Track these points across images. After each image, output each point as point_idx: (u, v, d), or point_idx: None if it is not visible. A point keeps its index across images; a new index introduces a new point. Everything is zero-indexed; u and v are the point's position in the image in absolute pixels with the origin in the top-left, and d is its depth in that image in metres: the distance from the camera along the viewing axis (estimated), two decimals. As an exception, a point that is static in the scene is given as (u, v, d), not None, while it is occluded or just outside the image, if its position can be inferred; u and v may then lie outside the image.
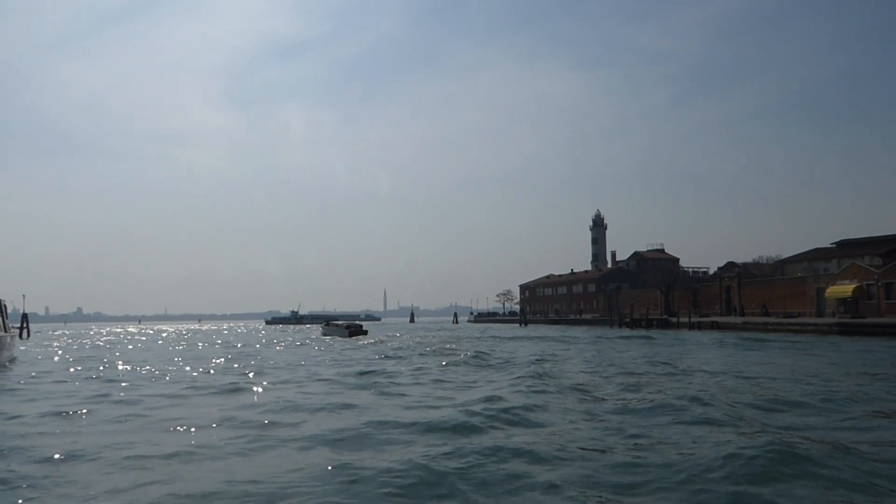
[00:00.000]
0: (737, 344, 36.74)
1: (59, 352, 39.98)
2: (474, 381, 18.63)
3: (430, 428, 10.90)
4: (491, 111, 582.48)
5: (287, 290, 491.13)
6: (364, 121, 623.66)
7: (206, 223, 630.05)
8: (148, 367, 25.95)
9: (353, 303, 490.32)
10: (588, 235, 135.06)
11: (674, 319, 71.35)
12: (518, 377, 18.84)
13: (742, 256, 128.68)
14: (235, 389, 17.33)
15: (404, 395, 15.80)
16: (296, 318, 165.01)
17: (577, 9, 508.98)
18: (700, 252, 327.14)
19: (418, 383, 18.45)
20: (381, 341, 49.24)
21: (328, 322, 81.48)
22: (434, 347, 37.98)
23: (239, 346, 46.63)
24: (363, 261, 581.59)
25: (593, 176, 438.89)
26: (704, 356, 28.18)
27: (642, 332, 62.72)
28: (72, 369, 25.56)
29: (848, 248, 72.84)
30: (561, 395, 14.87)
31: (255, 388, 17.52)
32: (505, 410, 12.42)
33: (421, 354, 32.05)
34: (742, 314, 68.67)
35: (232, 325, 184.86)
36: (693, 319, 66.64)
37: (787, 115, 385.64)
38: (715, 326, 62.70)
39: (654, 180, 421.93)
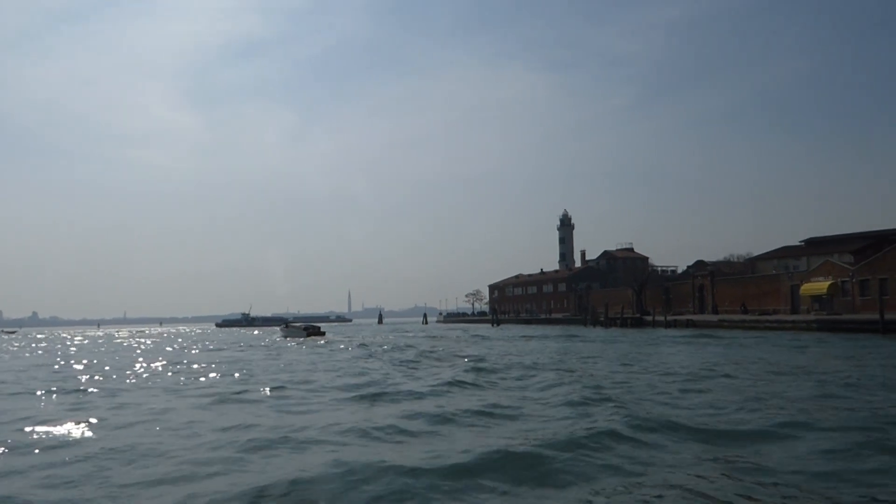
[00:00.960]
0: (730, 343, 36.13)
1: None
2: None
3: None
4: (456, 112, 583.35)
5: (249, 291, 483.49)
6: (327, 121, 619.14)
7: (167, 225, 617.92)
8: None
9: (318, 304, 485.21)
10: (556, 235, 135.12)
11: (649, 318, 71.01)
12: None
13: (710, 255, 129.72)
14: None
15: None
16: (247, 321, 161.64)
17: (539, 11, 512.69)
18: (668, 251, 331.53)
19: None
20: (346, 342, 47.66)
21: (287, 324, 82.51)
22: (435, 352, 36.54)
23: (224, 350, 44.42)
24: (327, 262, 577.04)
25: (560, 176, 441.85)
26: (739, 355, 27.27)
27: (619, 331, 62.23)
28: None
29: (817, 246, 73.61)
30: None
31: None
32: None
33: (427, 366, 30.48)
34: (716, 312, 68.68)
35: (194, 328, 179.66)
36: (669, 318, 66.37)
37: (750, 116, 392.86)
38: (690, 325, 62.37)
39: (621, 180, 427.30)
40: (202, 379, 21.55)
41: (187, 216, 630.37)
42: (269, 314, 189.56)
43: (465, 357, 29.11)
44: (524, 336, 54.51)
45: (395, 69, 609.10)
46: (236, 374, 23.11)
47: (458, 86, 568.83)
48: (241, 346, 49.55)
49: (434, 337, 56.41)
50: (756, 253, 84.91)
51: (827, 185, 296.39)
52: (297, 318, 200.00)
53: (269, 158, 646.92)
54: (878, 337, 38.60)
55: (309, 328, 66.48)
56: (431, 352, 34.18)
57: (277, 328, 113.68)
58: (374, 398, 15.21)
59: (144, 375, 23.67)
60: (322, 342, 52.01)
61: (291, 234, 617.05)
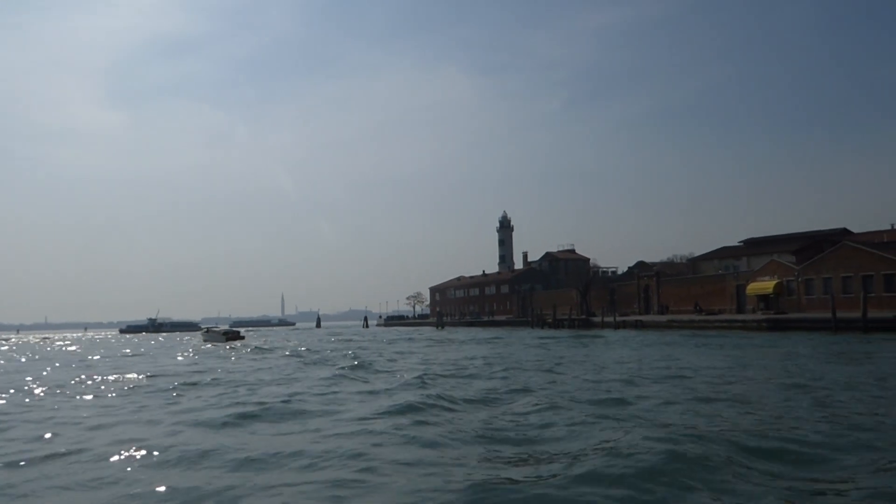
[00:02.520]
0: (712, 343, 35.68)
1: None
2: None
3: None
4: (390, 114, 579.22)
5: (177, 294, 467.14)
6: (256, 121, 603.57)
7: (89, 225, 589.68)
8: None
9: (249, 308, 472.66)
10: (495, 237, 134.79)
11: (597, 319, 71.07)
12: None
13: (649, 255, 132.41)
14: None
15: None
16: (154, 326, 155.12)
17: (471, 15, 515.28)
18: (608, 252, 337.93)
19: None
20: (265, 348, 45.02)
21: (208, 329, 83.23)
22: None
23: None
24: (258, 265, 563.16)
25: (498, 178, 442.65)
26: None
27: (569, 332, 61.75)
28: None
29: (755, 246, 75.47)
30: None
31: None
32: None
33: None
34: (663, 312, 69.23)
35: (105, 334, 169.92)
36: (617, 319, 66.46)
37: (681, 119, 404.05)
38: (639, 325, 62.63)
39: (559, 182, 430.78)
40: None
41: (110, 217, 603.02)
42: (199, 318, 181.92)
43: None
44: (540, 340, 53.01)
45: (326, 70, 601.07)
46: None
47: (392, 87, 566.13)
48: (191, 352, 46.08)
49: (412, 339, 54.31)
50: (695, 253, 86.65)
51: (761, 186, 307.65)
52: (238, 322, 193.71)
53: (196, 158, 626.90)
54: (830, 334, 39.18)
55: (228, 333, 68.30)
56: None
57: (188, 334, 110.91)
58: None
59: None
60: (239, 345, 53.51)
61: (219, 235, 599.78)
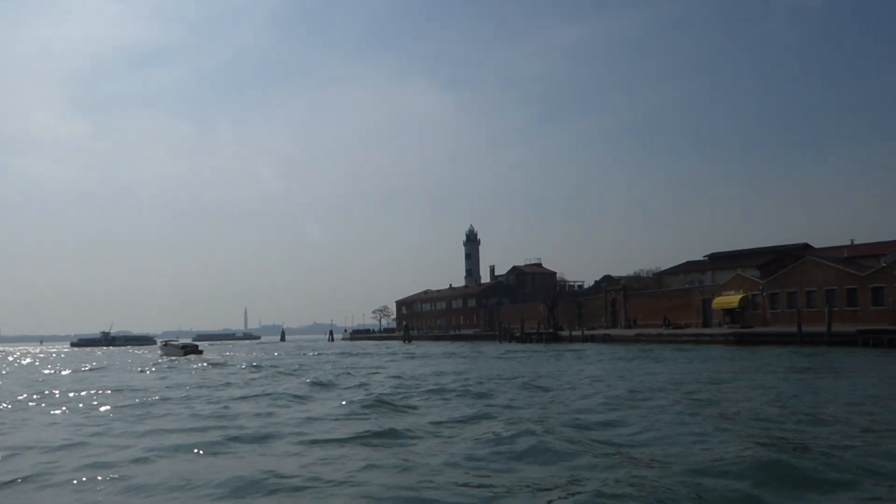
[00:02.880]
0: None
1: None
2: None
3: None
4: (359, 127, 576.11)
5: (138, 308, 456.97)
6: (226, 133, 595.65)
7: (49, 236, 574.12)
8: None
9: (212, 322, 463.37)
10: (462, 251, 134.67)
11: (565, 333, 71.25)
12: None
13: (615, 270, 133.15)
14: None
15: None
16: (107, 340, 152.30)
17: (441, 30, 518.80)
18: (574, 266, 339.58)
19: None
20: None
21: (167, 342, 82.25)
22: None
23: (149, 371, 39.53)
24: (221, 277, 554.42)
25: (465, 192, 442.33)
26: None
27: (538, 346, 61.69)
28: None
29: (720, 261, 76.54)
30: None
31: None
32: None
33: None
34: (631, 326, 69.64)
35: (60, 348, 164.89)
36: (586, 333, 66.72)
37: (647, 135, 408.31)
38: (607, 339, 63.01)
39: (525, 196, 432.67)
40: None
41: (71, 228, 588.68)
42: (159, 331, 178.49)
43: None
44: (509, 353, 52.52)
45: (297, 83, 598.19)
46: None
47: (362, 100, 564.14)
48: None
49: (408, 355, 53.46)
50: (663, 268, 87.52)
51: (724, 202, 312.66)
52: (201, 336, 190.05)
53: (163, 170, 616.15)
54: (798, 347, 39.83)
55: (186, 347, 66.81)
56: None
57: (142, 348, 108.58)
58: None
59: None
60: (195, 359, 52.79)
61: (182, 249, 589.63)
